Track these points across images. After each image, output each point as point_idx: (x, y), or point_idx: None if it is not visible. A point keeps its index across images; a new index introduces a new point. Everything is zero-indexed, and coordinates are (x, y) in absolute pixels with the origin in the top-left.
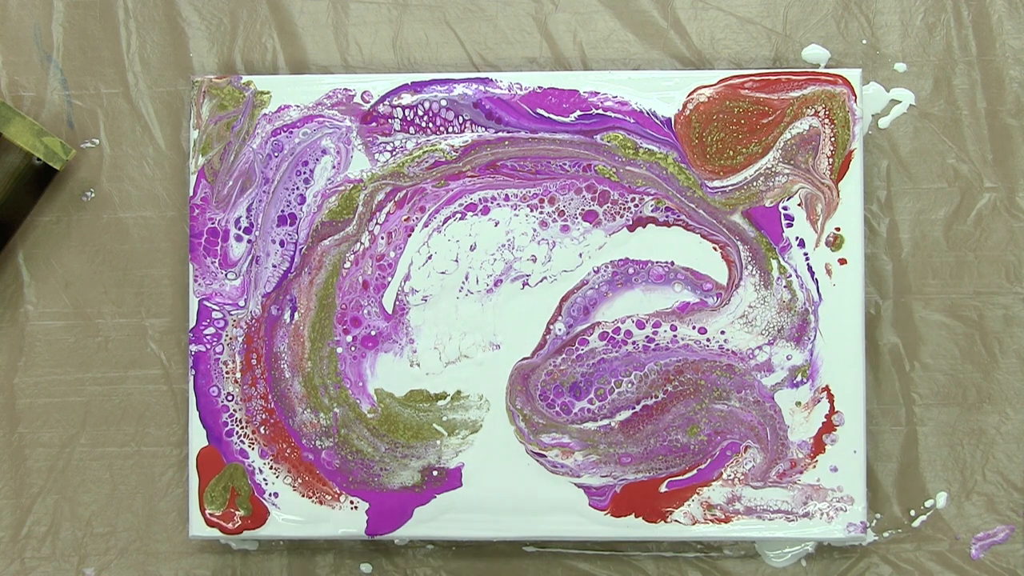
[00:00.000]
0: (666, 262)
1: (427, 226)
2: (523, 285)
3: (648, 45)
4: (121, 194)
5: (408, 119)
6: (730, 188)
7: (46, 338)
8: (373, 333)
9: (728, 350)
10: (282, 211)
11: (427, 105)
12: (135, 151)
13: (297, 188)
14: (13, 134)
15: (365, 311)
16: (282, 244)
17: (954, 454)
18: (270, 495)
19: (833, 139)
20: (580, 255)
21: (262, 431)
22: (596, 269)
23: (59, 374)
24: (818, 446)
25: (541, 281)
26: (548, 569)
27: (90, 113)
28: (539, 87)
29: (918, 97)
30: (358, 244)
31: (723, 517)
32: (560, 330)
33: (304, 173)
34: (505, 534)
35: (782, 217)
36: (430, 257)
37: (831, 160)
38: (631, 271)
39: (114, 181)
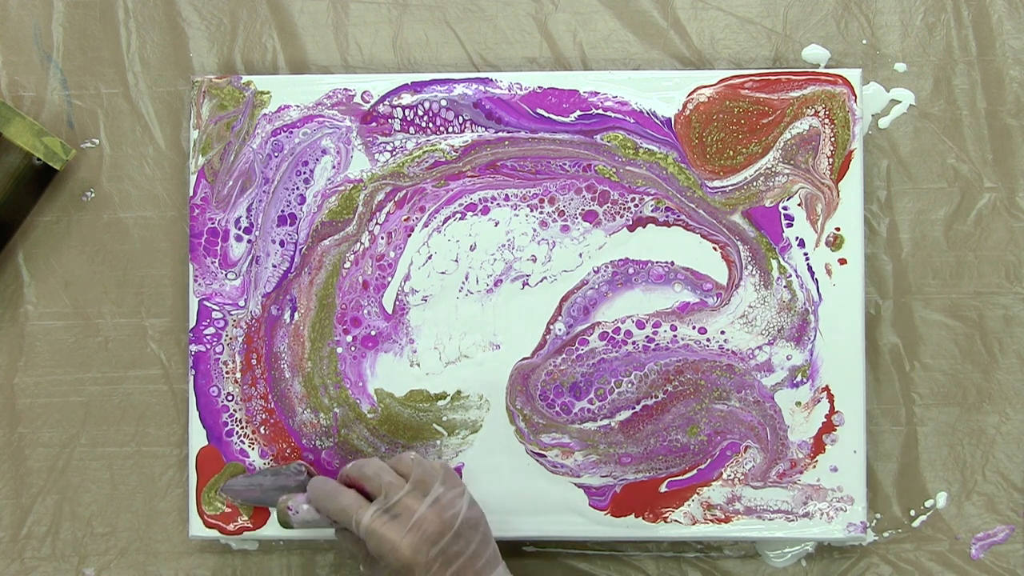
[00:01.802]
0: (666, 262)
1: (427, 226)
2: (523, 285)
3: (648, 45)
4: (121, 194)
5: (408, 119)
6: (730, 188)
7: (46, 338)
8: (373, 333)
9: (728, 350)
10: (282, 211)
11: (427, 105)
12: (135, 151)
13: (297, 188)
14: (13, 134)
15: (365, 311)
16: (282, 244)
17: (954, 454)
18: None
19: (833, 139)
20: (580, 255)
21: (262, 431)
22: (596, 269)
23: (59, 374)
24: (818, 446)
25: (541, 281)
26: (548, 569)
27: (90, 113)
28: (539, 87)
29: (918, 97)
30: (358, 244)
31: (723, 517)
32: (560, 330)
33: (304, 173)
34: (505, 534)
35: (782, 217)
36: (430, 257)
37: (831, 160)
38: (631, 271)
39: (114, 181)
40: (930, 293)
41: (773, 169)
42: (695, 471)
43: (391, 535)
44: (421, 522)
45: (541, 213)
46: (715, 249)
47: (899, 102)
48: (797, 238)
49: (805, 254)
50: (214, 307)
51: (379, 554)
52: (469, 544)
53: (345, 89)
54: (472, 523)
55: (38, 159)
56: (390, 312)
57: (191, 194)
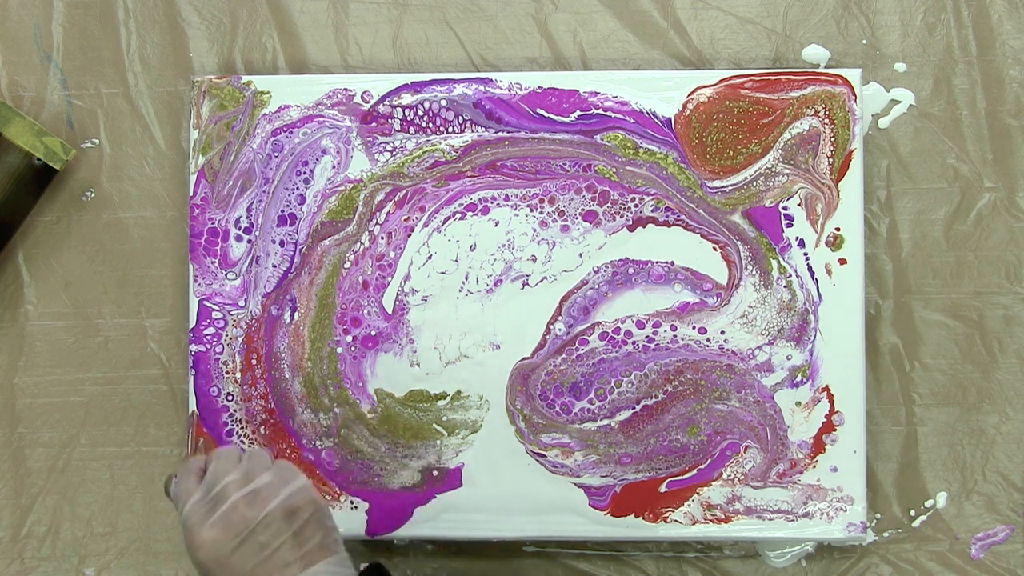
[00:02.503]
0: (666, 262)
1: (427, 226)
2: (523, 285)
3: (648, 45)
4: (121, 194)
5: (408, 119)
6: (730, 188)
7: (46, 338)
8: (373, 333)
9: (728, 350)
10: (282, 211)
11: (427, 105)
12: (135, 151)
13: (297, 188)
14: (13, 134)
15: (365, 311)
16: (282, 244)
17: (954, 454)
18: None
19: (833, 139)
20: (580, 255)
21: (262, 431)
22: (596, 269)
23: (59, 374)
24: (818, 446)
25: (541, 281)
26: (548, 569)
27: (90, 113)
28: (539, 87)
29: (918, 97)
30: (358, 244)
31: (723, 517)
32: (560, 330)
33: (304, 173)
34: (505, 534)
35: (782, 217)
36: (430, 257)
37: (831, 160)
38: (631, 271)
39: (114, 181)
40: (930, 293)
41: (773, 169)
42: (695, 471)
43: (194, 524)
44: (228, 512)
45: (541, 213)
46: (715, 249)
47: (899, 102)
48: (797, 238)
49: (805, 254)
50: (214, 307)
51: (187, 546)
52: (280, 534)
53: (345, 89)
54: (289, 510)
55: (38, 159)
56: (390, 312)
57: (191, 194)
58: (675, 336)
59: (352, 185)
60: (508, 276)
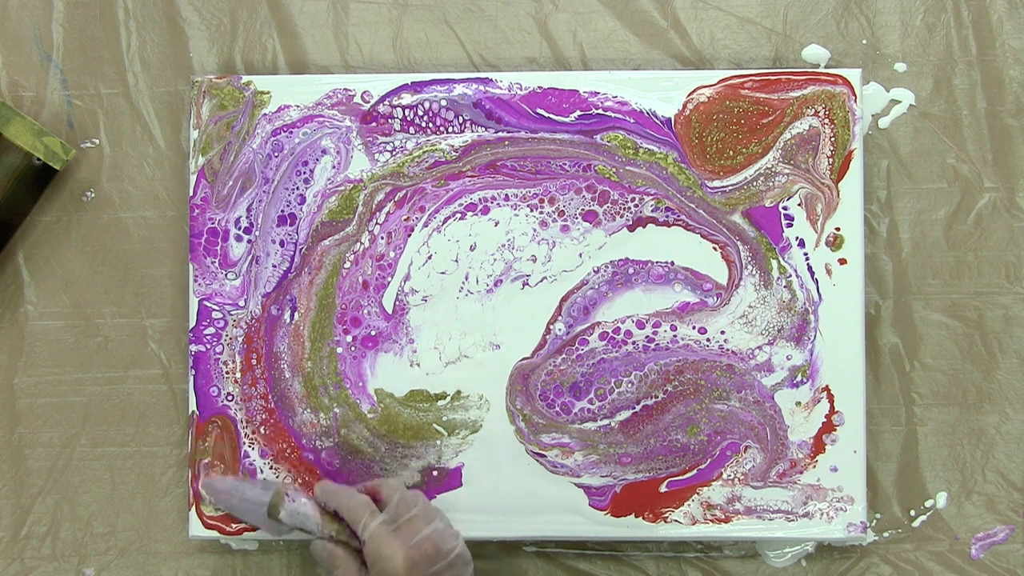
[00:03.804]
0: (666, 262)
1: (427, 226)
2: (523, 285)
3: (648, 45)
4: (121, 194)
5: (408, 119)
6: (730, 188)
7: (46, 338)
8: (373, 333)
9: (728, 350)
10: (282, 211)
11: (427, 105)
12: (135, 151)
13: (297, 188)
14: (13, 134)
15: (365, 311)
16: (282, 244)
17: (954, 454)
18: None
19: (833, 139)
20: (580, 255)
21: (262, 431)
22: (596, 269)
23: (59, 374)
24: (818, 446)
25: (541, 281)
26: (548, 569)
27: (90, 113)
28: (539, 87)
29: (918, 97)
30: (358, 244)
31: (723, 517)
32: (560, 330)
33: (304, 173)
34: (505, 534)
35: (782, 217)
36: (430, 257)
37: (831, 160)
38: (631, 271)
39: (114, 181)
40: (930, 293)
41: (773, 169)
42: (695, 471)
43: (394, 543)
44: (423, 542)
45: (541, 213)
46: (715, 249)
47: (899, 102)
48: (797, 238)
49: (805, 254)
50: (214, 307)
51: (376, 558)
52: None
53: (345, 89)
54: (465, 561)
55: (38, 159)
56: (390, 312)
57: (191, 194)
58: (675, 336)
59: (352, 185)
60: (508, 276)
